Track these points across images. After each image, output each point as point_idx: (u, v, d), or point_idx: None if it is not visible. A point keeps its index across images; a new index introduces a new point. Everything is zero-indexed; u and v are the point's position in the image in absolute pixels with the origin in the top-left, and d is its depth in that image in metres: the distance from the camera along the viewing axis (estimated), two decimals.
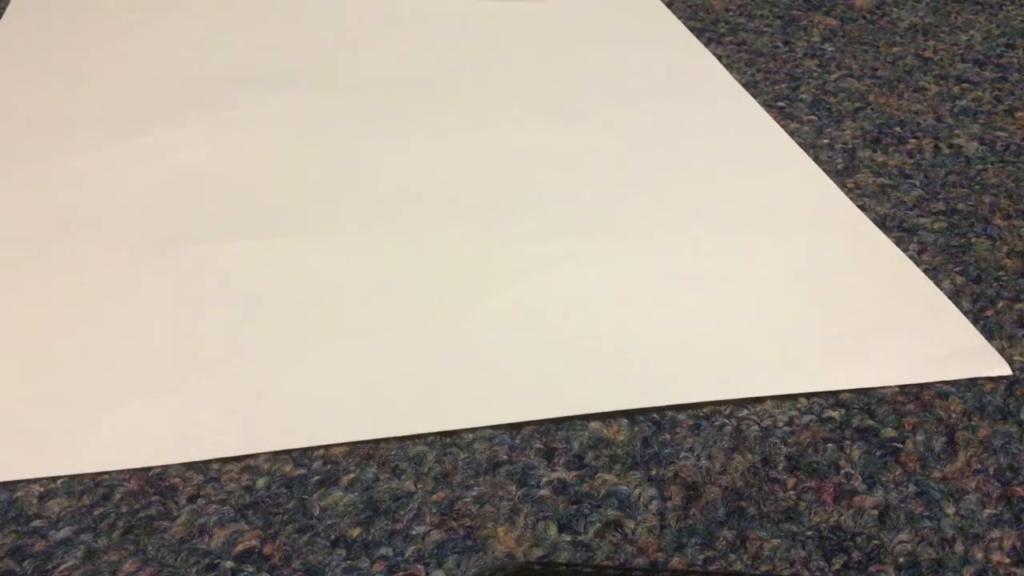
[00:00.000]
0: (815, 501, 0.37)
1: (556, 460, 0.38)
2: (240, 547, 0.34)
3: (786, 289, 0.47)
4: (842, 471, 0.38)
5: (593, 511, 0.36)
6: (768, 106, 0.62)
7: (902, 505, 0.37)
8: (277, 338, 0.43)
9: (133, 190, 0.52)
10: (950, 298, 0.47)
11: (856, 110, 0.62)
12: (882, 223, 0.52)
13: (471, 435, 0.39)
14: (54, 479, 0.37)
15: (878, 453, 0.39)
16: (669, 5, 0.75)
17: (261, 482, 0.37)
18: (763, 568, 0.34)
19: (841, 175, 0.56)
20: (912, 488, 0.37)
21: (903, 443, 0.39)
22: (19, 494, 0.36)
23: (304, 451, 0.38)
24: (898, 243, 0.50)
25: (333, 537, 0.35)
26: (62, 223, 0.50)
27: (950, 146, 0.59)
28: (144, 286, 0.46)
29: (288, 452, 0.38)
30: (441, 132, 0.58)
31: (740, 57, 0.68)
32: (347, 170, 0.54)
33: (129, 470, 0.37)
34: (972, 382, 0.42)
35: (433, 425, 0.39)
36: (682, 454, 0.39)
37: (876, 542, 0.35)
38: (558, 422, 0.40)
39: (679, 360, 0.42)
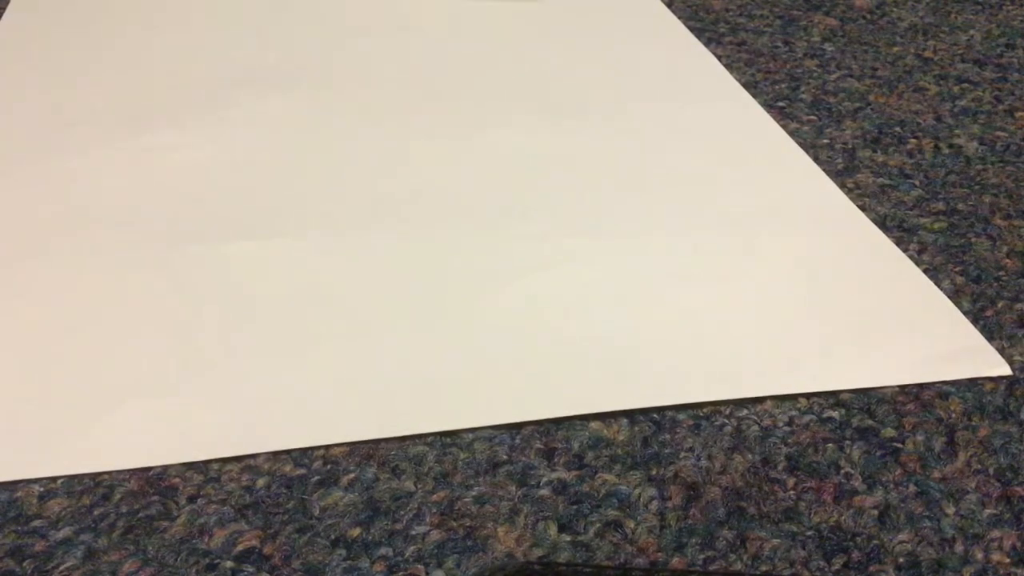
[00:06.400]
0: (815, 501, 0.37)
1: (556, 460, 0.38)
2: (240, 547, 0.34)
3: (786, 289, 0.47)
4: (842, 471, 0.38)
5: (593, 511, 0.36)
6: (768, 106, 0.62)
7: (902, 505, 0.37)
8: (277, 338, 0.43)
9: (133, 190, 0.52)
10: (950, 298, 0.47)
11: (856, 110, 0.62)
12: (882, 223, 0.52)
13: (471, 435, 0.39)
14: (54, 479, 0.37)
15: (878, 453, 0.39)
16: (669, 5, 0.75)
17: (261, 482, 0.37)
18: (763, 568, 0.34)
19: (841, 175, 0.56)
20: (912, 488, 0.37)
21: (903, 443, 0.39)
22: (19, 494, 0.36)
23: (304, 451, 0.38)
24: (898, 243, 0.50)
25: (333, 537, 0.35)
26: (62, 223, 0.50)
27: (950, 146, 0.59)
28: (144, 286, 0.46)
29: (288, 452, 0.38)
30: (441, 132, 0.58)
31: (740, 57, 0.68)
32: (347, 170, 0.54)
33: (129, 470, 0.37)
34: (972, 382, 0.42)
35: (433, 425, 0.39)
36: (682, 454, 0.39)
37: (876, 542, 0.35)
38: (558, 422, 0.40)
39: (679, 360, 0.42)
